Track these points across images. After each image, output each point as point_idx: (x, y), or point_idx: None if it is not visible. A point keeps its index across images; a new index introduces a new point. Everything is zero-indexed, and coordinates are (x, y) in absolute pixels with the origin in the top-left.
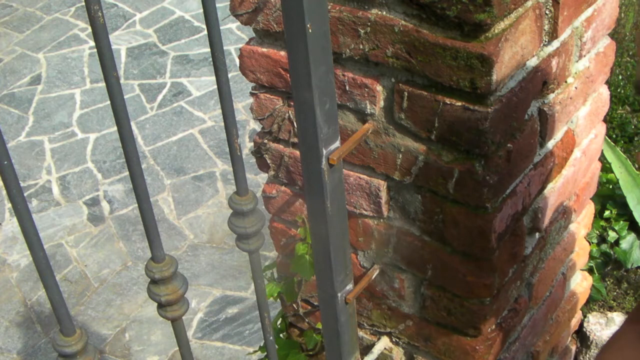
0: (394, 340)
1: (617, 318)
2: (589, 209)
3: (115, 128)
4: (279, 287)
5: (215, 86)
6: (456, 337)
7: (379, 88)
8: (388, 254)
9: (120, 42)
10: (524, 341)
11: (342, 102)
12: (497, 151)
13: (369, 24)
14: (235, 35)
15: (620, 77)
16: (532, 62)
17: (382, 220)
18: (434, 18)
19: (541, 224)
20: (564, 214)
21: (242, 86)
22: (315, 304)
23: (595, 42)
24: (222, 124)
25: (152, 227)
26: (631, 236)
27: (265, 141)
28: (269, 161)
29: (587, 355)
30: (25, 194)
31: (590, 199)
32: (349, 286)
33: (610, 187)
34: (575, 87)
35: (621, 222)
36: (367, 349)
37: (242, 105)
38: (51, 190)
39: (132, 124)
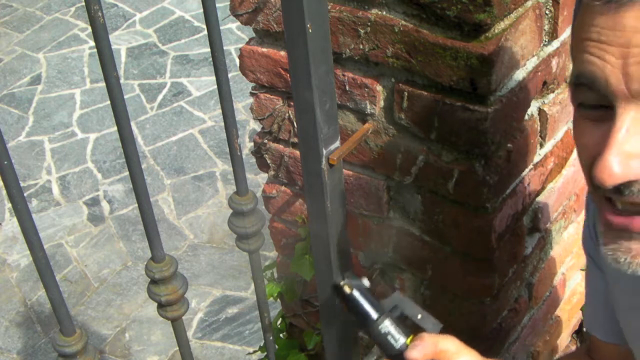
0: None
1: None
2: None
3: (115, 128)
4: (279, 287)
5: (215, 86)
6: (456, 337)
7: (379, 88)
8: (388, 254)
9: (120, 42)
10: (524, 341)
11: (342, 102)
12: (497, 151)
13: (369, 24)
14: (235, 35)
15: None
16: (532, 62)
17: (382, 220)
18: (433, 18)
19: (541, 224)
20: (564, 214)
21: (242, 86)
22: (316, 304)
23: None
24: (222, 124)
25: (152, 227)
26: None
27: (265, 141)
28: (269, 161)
29: None
30: (25, 194)
31: None
32: None
33: None
34: None
35: None
36: (367, 349)
37: (242, 105)
38: (51, 190)
39: (132, 124)
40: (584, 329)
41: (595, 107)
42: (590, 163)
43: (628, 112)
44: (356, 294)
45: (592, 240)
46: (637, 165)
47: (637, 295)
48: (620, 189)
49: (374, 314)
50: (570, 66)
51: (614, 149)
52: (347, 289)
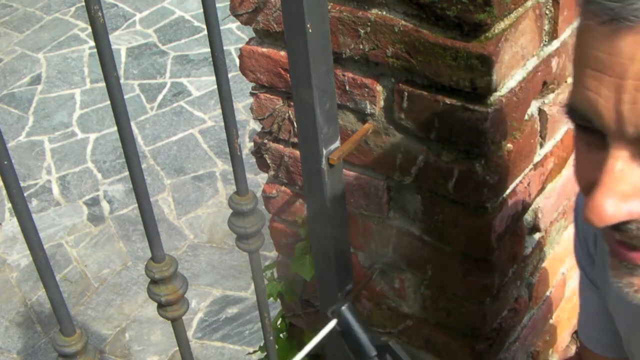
0: (393, 340)
1: None
2: None
3: (115, 128)
4: (279, 287)
5: (215, 86)
6: (456, 337)
7: (379, 88)
8: (388, 254)
9: (120, 42)
10: (524, 341)
11: (342, 102)
12: (497, 151)
13: (369, 24)
14: (235, 35)
15: None
16: (532, 62)
17: (382, 220)
18: (433, 18)
19: (541, 224)
20: (564, 214)
21: (242, 86)
22: (316, 304)
23: None
24: (222, 124)
25: (152, 227)
26: None
27: (265, 141)
28: (269, 161)
29: None
30: (25, 194)
31: None
32: (349, 286)
33: None
34: None
35: None
36: None
37: (242, 105)
38: (51, 190)
39: (132, 124)
40: (578, 340)
41: (591, 129)
42: (585, 188)
43: (621, 152)
44: (355, 326)
45: (583, 253)
46: (630, 206)
47: (637, 320)
48: (618, 226)
49: (372, 351)
50: (570, 66)
51: (605, 191)
52: (343, 319)
